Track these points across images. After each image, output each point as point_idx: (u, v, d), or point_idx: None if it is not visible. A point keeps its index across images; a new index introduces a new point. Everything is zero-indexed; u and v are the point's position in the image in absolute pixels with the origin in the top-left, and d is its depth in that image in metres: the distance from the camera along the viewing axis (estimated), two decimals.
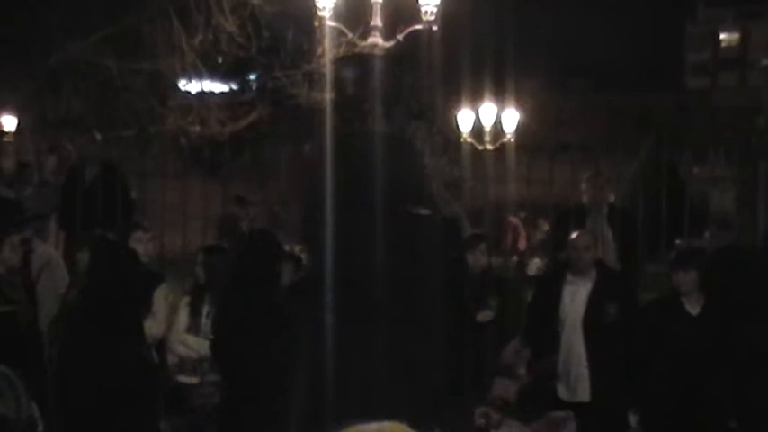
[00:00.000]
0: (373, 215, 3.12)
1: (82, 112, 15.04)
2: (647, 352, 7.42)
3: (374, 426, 2.56)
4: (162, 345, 7.73)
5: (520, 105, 18.20)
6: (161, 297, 7.80)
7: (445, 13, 10.99)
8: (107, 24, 14.02)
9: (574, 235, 7.90)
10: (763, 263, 7.55)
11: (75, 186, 10.84)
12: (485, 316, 7.99)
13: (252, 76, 16.29)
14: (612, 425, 7.63)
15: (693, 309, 7.40)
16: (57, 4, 14.17)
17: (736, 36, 55.20)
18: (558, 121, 31.73)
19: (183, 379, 7.63)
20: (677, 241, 11.02)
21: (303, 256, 8.75)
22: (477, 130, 17.46)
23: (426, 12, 10.44)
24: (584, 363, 7.62)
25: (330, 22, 10.71)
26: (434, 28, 10.68)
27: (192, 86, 15.09)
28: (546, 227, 13.57)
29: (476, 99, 17.66)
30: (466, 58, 17.71)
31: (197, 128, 14.27)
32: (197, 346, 7.62)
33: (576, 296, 7.70)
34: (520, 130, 17.59)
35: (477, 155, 16.39)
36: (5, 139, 15.39)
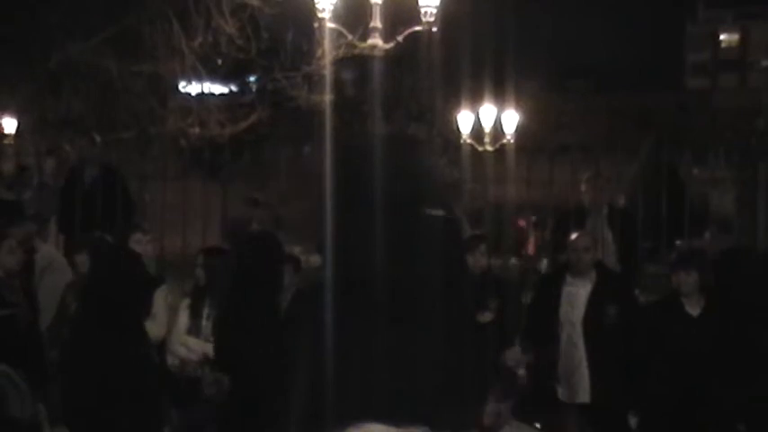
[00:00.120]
0: (389, 217, 3.11)
1: (82, 113, 15.03)
2: (647, 353, 7.41)
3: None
4: (162, 346, 7.73)
5: (519, 106, 18.21)
6: (161, 299, 7.80)
7: (445, 15, 10.99)
8: (107, 26, 14.02)
9: (573, 236, 7.90)
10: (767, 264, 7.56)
11: (74, 188, 10.84)
12: (484, 317, 7.98)
13: (252, 78, 16.29)
14: (613, 426, 7.63)
15: (694, 310, 7.40)
16: (57, 6, 14.17)
17: (736, 37, 55.19)
18: (557, 122, 31.75)
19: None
20: (677, 242, 11.02)
21: (302, 257, 8.77)
22: (477, 132, 17.46)
23: (426, 13, 10.43)
24: (585, 364, 7.61)
25: (330, 24, 10.71)
26: (434, 29, 10.67)
27: (191, 88, 15.09)
28: None
29: (475, 100, 17.67)
30: (466, 59, 17.74)
31: (197, 129, 14.27)
32: (198, 347, 7.62)
33: (575, 297, 7.70)
34: (520, 131, 17.59)
35: (477, 156, 16.39)
36: (5, 142, 15.38)
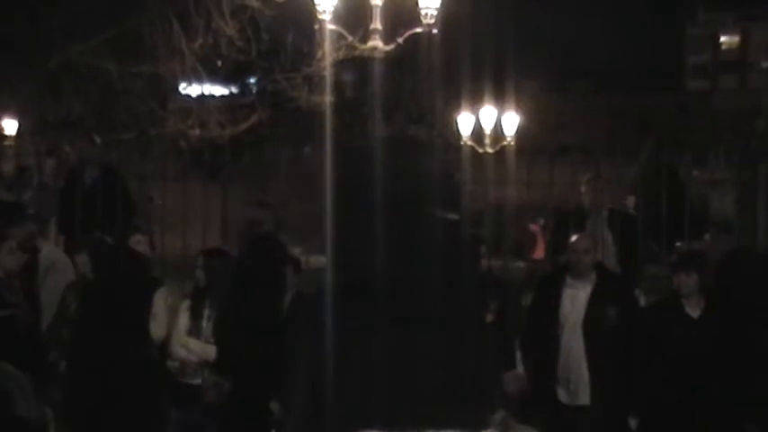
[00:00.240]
0: (404, 219, 3.12)
1: (82, 114, 15.03)
2: (647, 355, 7.41)
3: None
4: (162, 348, 7.73)
5: (519, 108, 18.21)
6: (161, 300, 7.79)
7: (445, 16, 10.99)
8: (107, 27, 14.02)
9: (573, 238, 7.90)
10: None
11: (74, 189, 10.84)
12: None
13: (252, 80, 16.29)
14: (613, 428, 7.62)
15: (694, 311, 7.40)
16: (57, 7, 14.17)
17: (736, 38, 55.15)
18: (557, 123, 31.74)
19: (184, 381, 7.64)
20: (677, 244, 11.02)
21: (303, 258, 8.77)
22: (478, 134, 17.48)
23: (426, 15, 10.44)
24: (584, 366, 7.61)
25: (330, 26, 10.72)
26: (434, 31, 10.68)
27: (192, 89, 15.10)
28: None
29: (476, 102, 17.68)
30: (466, 61, 17.72)
31: (197, 131, 14.27)
32: (198, 349, 7.62)
33: (575, 299, 7.69)
34: (520, 132, 17.60)
35: (478, 158, 16.40)
36: (6, 143, 15.38)
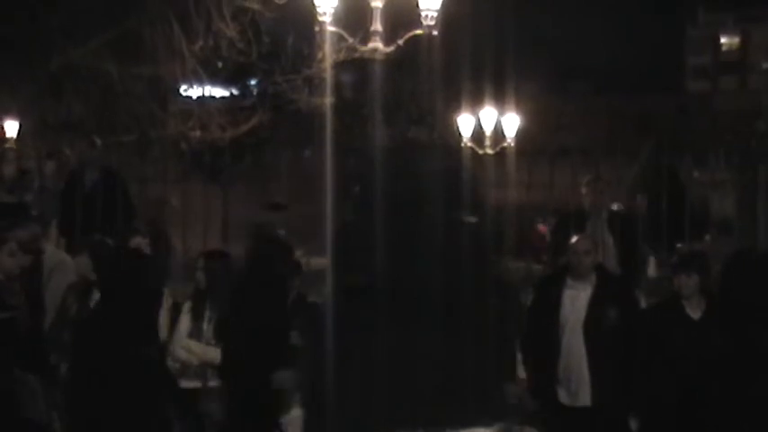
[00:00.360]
0: (424, 223, 3.14)
1: (82, 116, 15.05)
2: (648, 356, 7.41)
3: None
4: (162, 350, 7.73)
5: (520, 109, 18.22)
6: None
7: (445, 18, 10.99)
8: (108, 29, 14.03)
9: (574, 239, 7.90)
10: None
11: (74, 191, 10.84)
12: None
13: (252, 81, 16.32)
14: (614, 429, 7.62)
15: (695, 313, 7.40)
16: (57, 9, 14.18)
17: (736, 39, 55.19)
18: (558, 124, 31.76)
19: (185, 384, 7.63)
20: (678, 245, 11.02)
21: (303, 260, 8.78)
22: (478, 135, 17.49)
23: (426, 16, 10.44)
24: (585, 367, 7.61)
25: (330, 27, 10.72)
26: (434, 33, 10.68)
27: (192, 91, 15.11)
28: None
29: (476, 103, 17.69)
30: (466, 62, 17.74)
31: (197, 133, 14.28)
32: (199, 351, 7.63)
33: (576, 301, 7.69)
34: (520, 134, 17.61)
35: (478, 159, 16.40)
36: (7, 145, 15.38)
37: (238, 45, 13.43)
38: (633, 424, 7.60)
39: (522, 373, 7.89)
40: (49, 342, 7.46)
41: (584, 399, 7.61)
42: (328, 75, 12.61)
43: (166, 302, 7.87)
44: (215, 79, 15.03)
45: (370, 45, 10.61)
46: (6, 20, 14.07)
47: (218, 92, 16.29)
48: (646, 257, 10.24)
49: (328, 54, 11.73)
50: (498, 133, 17.54)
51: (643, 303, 8.38)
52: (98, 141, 11.67)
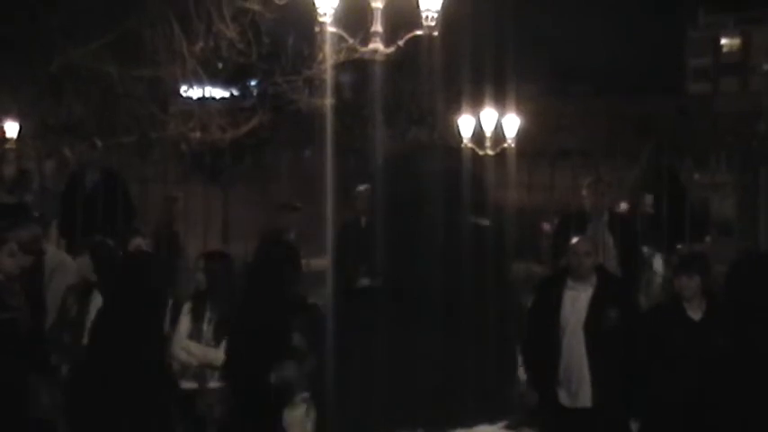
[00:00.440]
0: (438, 225, 3.14)
1: (83, 117, 15.05)
2: (648, 358, 7.40)
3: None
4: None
5: (520, 110, 18.22)
6: None
7: (446, 19, 10.99)
8: (108, 30, 14.03)
9: (574, 240, 7.90)
10: None
11: (75, 192, 10.84)
12: None
13: (252, 82, 16.32)
14: (614, 430, 7.62)
15: (695, 314, 7.39)
16: (58, 10, 14.19)
17: (737, 41, 55.22)
18: (558, 126, 31.76)
19: (184, 385, 7.63)
20: (678, 246, 11.01)
21: (304, 261, 8.76)
22: (478, 136, 17.49)
23: (427, 17, 10.44)
24: (586, 368, 7.60)
25: (331, 28, 10.72)
26: (435, 34, 10.67)
27: (192, 92, 15.12)
28: None
29: (476, 104, 17.68)
30: (466, 63, 17.73)
31: (198, 134, 14.29)
32: (199, 352, 7.62)
33: (576, 302, 7.69)
34: (520, 135, 17.61)
35: (478, 160, 16.39)
36: (7, 146, 15.39)
37: (238, 46, 13.44)
38: (634, 425, 7.59)
39: (521, 374, 7.88)
40: (49, 342, 7.47)
41: (585, 400, 7.60)
42: (329, 75, 12.61)
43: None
44: (215, 80, 15.03)
45: (371, 46, 10.61)
46: (7, 20, 14.08)
47: (219, 93, 16.30)
48: (653, 257, 10.23)
49: (329, 55, 11.73)
50: (498, 134, 17.54)
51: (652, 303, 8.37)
52: (98, 142, 11.67)
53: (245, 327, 6.95)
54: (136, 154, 13.99)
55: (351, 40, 11.72)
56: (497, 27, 22.62)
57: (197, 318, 7.75)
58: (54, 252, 8.63)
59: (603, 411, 7.52)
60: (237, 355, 6.95)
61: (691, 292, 7.37)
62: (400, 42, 11.30)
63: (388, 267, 3.16)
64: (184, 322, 7.75)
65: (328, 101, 12.45)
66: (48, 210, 11.01)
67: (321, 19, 10.52)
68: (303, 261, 8.65)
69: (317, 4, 10.41)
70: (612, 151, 13.00)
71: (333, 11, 10.51)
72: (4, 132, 16.12)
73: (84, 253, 7.87)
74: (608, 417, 7.53)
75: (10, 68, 14.42)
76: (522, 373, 7.85)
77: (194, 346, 7.64)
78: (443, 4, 10.51)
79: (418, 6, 10.52)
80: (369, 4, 10.38)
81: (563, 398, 7.67)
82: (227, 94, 16.74)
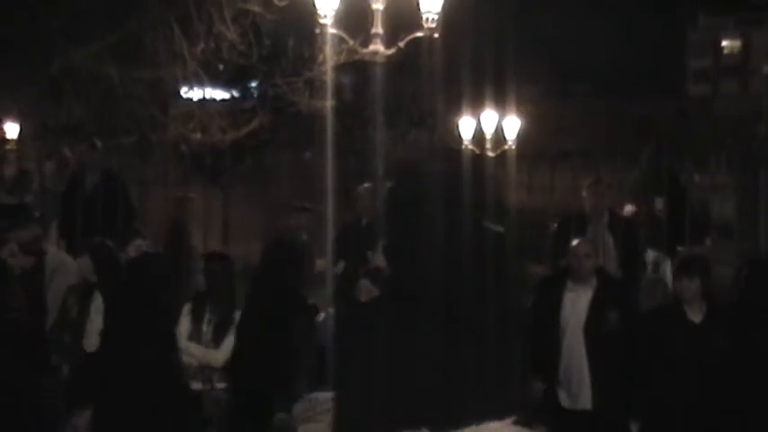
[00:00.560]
0: (452, 230, 3.15)
1: (83, 118, 15.05)
2: (648, 359, 7.41)
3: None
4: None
5: (520, 111, 18.22)
6: None
7: (446, 20, 10.99)
8: (108, 32, 14.03)
9: (574, 242, 7.90)
10: None
11: (75, 194, 10.85)
12: None
13: (253, 84, 16.33)
14: None
15: (696, 316, 7.39)
16: (58, 11, 14.19)
17: (737, 43, 55.24)
18: (558, 127, 31.77)
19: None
20: (679, 248, 11.01)
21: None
22: (479, 137, 17.49)
23: (427, 19, 10.44)
24: (586, 370, 7.61)
25: (331, 30, 10.71)
26: (435, 35, 10.67)
27: (193, 94, 15.12)
28: None
29: (477, 106, 17.68)
30: (467, 65, 17.73)
31: (198, 135, 14.28)
32: (198, 353, 7.62)
33: (576, 303, 7.69)
34: (520, 136, 17.61)
35: (479, 161, 16.38)
36: (7, 147, 15.39)
37: (239, 47, 13.44)
38: (634, 427, 7.60)
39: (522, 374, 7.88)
40: (50, 343, 7.47)
41: (585, 402, 7.60)
42: (329, 77, 12.61)
43: None
44: (215, 81, 15.04)
45: (371, 47, 10.60)
46: (7, 21, 14.08)
47: (219, 94, 16.30)
48: (662, 262, 10.22)
49: (329, 56, 11.73)
50: (499, 136, 17.54)
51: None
52: (98, 144, 11.68)
53: (246, 327, 6.96)
54: (136, 155, 13.99)
55: (351, 42, 11.72)
56: (498, 29, 22.64)
57: (197, 319, 7.75)
58: (54, 252, 8.64)
59: (603, 413, 7.53)
60: (238, 356, 6.97)
61: (691, 294, 7.37)
62: (401, 44, 11.30)
63: (390, 268, 3.18)
64: (184, 323, 7.76)
65: (329, 102, 12.44)
66: (48, 210, 11.02)
67: (321, 20, 10.52)
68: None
69: (317, 6, 10.42)
70: (612, 152, 13.01)
71: (333, 12, 10.50)
72: (4, 133, 16.12)
73: (84, 254, 7.87)
74: (608, 419, 7.54)
75: (10, 69, 14.41)
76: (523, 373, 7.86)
77: (194, 348, 7.64)
78: (444, 5, 10.51)
79: (419, 8, 10.52)
80: (369, 6, 10.38)
81: (563, 399, 7.68)
82: (227, 96, 16.75)
